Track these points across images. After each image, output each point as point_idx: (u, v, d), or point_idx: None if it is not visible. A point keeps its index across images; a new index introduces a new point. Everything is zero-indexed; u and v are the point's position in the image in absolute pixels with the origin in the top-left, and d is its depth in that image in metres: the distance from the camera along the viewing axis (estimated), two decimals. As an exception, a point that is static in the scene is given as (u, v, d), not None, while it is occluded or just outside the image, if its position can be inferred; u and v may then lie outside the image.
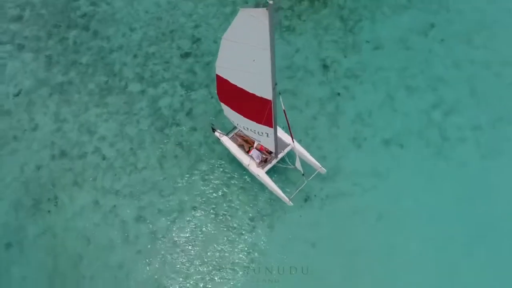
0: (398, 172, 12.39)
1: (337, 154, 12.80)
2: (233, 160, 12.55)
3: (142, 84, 14.46)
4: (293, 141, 10.83)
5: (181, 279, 11.31)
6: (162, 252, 11.65)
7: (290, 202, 11.64)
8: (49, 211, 12.32)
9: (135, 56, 15.15)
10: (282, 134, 11.79)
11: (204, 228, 11.89)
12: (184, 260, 11.53)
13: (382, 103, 13.76)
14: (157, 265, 11.49)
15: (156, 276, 11.35)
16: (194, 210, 12.17)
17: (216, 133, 12.11)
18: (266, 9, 6.60)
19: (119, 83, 14.53)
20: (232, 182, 12.51)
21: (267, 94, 8.45)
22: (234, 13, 16.01)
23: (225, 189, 12.40)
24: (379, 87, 14.11)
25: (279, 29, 15.55)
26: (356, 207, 11.85)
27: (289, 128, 10.37)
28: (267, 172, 11.72)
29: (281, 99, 8.96)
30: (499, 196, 11.79)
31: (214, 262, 11.42)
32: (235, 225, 11.88)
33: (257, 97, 8.61)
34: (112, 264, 11.51)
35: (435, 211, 11.67)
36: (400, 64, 14.58)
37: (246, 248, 11.53)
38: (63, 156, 13.22)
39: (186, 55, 15.06)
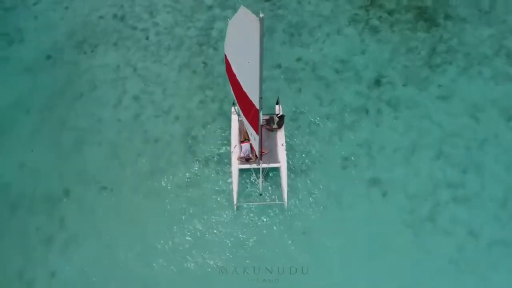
0: (358, 213, 11.43)
1: (318, 159, 12.22)
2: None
3: (214, 1, 15.31)
4: (261, 160, 10.51)
5: (134, 157, 12.54)
6: (133, 133, 12.92)
7: (235, 206, 11.39)
8: (85, 52, 14.50)
9: (227, -25, 15.86)
10: (281, 151, 11.39)
11: (172, 141, 12.73)
12: (137, 154, 12.62)
13: (400, 147, 12.40)
14: (123, 136, 12.82)
15: (116, 147, 12.75)
16: (176, 120, 13.11)
17: (233, 108, 12.12)
18: (259, 19, 6.28)
19: (199, -10, 15.62)
20: (221, 117, 13.00)
21: (255, 101, 8.24)
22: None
23: (211, 118, 13.04)
24: (410, 132, 12.64)
25: (364, 25, 14.61)
26: (293, 211, 11.46)
27: (261, 146, 9.89)
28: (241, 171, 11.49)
29: (261, 114, 8.60)
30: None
31: (165, 169, 12.44)
32: (198, 155, 12.48)
33: (249, 98, 8.39)
34: (96, 114, 13.28)
35: (359, 274, 10.73)
36: (452, 127, 12.69)
37: (186, 175, 12.24)
38: (122, 20, 15.07)
39: (267, -1, 15.28)
